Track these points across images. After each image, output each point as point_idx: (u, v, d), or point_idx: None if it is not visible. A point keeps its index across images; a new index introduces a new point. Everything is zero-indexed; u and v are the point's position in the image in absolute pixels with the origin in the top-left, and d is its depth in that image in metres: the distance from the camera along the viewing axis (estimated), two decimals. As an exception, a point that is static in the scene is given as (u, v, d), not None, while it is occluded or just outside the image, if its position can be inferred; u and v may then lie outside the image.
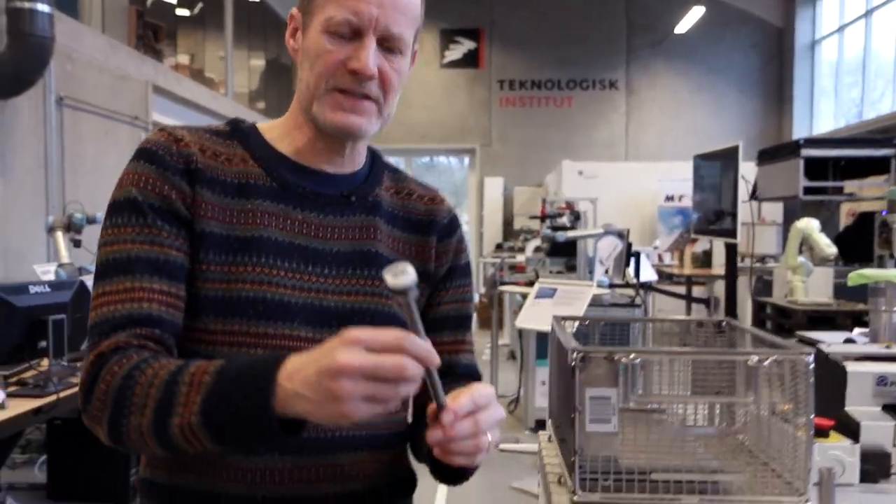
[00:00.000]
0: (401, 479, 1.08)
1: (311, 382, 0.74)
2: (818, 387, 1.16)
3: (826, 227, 4.69)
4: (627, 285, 4.83)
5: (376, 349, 0.73)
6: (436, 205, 1.12)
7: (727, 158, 4.64)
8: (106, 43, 5.94)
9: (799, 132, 10.72)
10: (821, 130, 10.46)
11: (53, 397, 2.53)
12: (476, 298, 8.87)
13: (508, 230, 11.12)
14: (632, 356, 1.20)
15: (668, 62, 11.52)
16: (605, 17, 11.48)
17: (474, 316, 1.31)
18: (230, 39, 8.92)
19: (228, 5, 8.83)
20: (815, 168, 4.30)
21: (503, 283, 6.16)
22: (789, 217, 7.30)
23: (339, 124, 0.98)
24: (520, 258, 8.44)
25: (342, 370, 0.72)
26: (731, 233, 4.53)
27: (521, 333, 5.38)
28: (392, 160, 1.16)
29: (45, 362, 2.79)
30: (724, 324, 1.58)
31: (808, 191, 4.29)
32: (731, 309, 4.91)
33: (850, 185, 4.52)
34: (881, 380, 1.46)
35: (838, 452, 1.31)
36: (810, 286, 4.68)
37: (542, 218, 7.11)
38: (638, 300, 4.55)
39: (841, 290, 4.72)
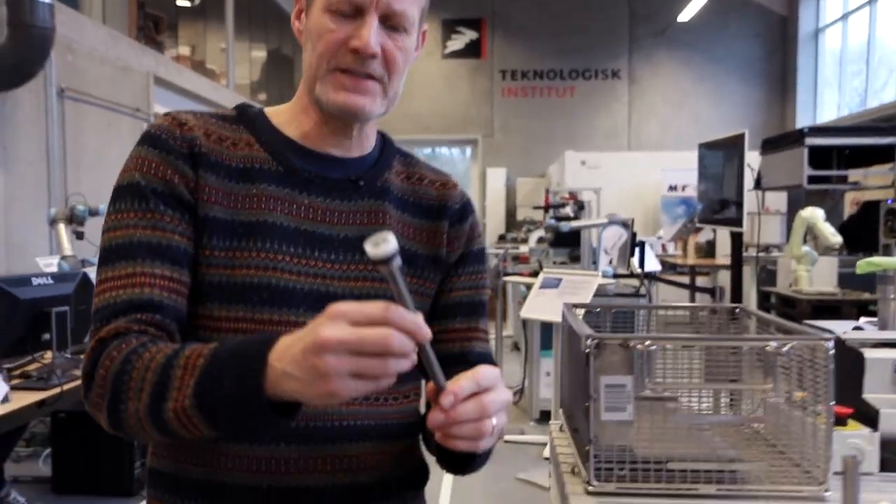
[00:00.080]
0: (411, 471, 1.05)
1: (298, 360, 0.71)
2: (835, 374, 1.13)
3: (830, 216, 4.67)
4: (632, 275, 4.81)
5: (361, 322, 0.70)
6: (448, 190, 1.09)
7: (732, 147, 4.60)
8: (107, 34, 5.91)
9: (802, 121, 10.65)
10: (824, 119, 10.41)
11: (57, 390, 2.52)
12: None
13: (511, 221, 11.10)
14: (647, 343, 1.18)
15: (670, 51, 11.46)
16: (606, 6, 11.42)
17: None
18: (231, 30, 8.88)
19: (229, -4, 8.80)
20: (820, 157, 4.26)
21: (507, 274, 6.15)
22: (793, 206, 7.25)
23: (342, 104, 0.95)
24: (523, 249, 8.44)
25: (325, 345, 0.69)
26: (737, 222, 4.50)
27: (525, 324, 5.37)
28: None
29: (48, 355, 2.78)
30: (737, 311, 1.55)
31: (812, 180, 4.25)
32: (737, 299, 4.89)
33: (854, 174, 4.48)
34: (899, 367, 1.43)
35: (857, 441, 1.29)
36: (815, 275, 4.66)
37: (546, 208, 7.09)
38: (643, 290, 4.53)
39: (846, 280, 4.70)
